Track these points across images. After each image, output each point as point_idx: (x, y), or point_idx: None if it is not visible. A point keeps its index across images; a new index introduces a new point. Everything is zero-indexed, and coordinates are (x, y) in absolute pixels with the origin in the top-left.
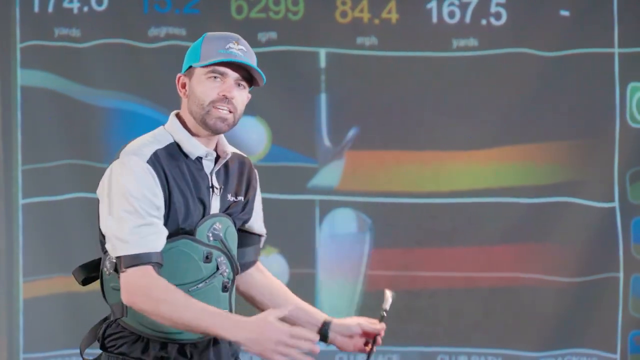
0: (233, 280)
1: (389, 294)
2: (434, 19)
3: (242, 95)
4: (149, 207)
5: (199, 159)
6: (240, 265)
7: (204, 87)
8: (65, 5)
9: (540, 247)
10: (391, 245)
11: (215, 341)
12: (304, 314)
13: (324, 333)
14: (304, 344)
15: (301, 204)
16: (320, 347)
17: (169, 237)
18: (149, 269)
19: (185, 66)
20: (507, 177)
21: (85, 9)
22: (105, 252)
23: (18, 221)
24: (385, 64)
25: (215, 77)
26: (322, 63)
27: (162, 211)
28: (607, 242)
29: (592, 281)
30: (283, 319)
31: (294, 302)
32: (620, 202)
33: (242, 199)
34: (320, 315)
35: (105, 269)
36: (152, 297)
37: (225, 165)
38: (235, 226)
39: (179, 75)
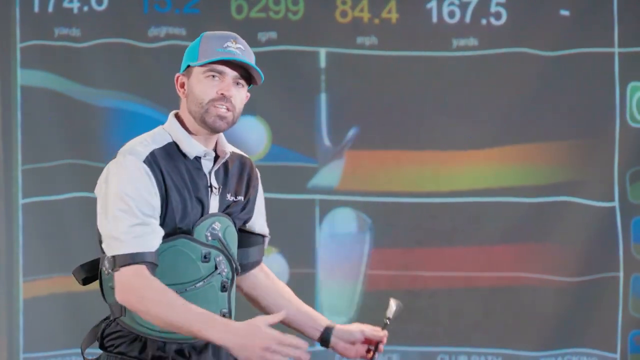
0: (232, 280)
1: (393, 303)
2: (434, 19)
3: (240, 94)
4: (144, 206)
5: (198, 158)
6: (244, 266)
7: (202, 86)
8: (65, 5)
9: (540, 247)
10: (391, 245)
11: None
12: (307, 318)
13: (325, 338)
14: (291, 351)
15: (301, 204)
16: (309, 354)
17: (167, 236)
18: (142, 269)
19: (183, 66)
20: (507, 177)
21: (85, 8)
22: (104, 251)
23: (18, 221)
24: (385, 64)
25: (213, 76)
26: (322, 63)
27: (158, 211)
28: (607, 242)
29: (592, 281)
30: (286, 323)
31: (297, 306)
32: (620, 202)
33: (242, 199)
34: (323, 320)
35: (104, 269)
36: (144, 297)
37: (225, 165)
38: (235, 226)
39: (177, 75)
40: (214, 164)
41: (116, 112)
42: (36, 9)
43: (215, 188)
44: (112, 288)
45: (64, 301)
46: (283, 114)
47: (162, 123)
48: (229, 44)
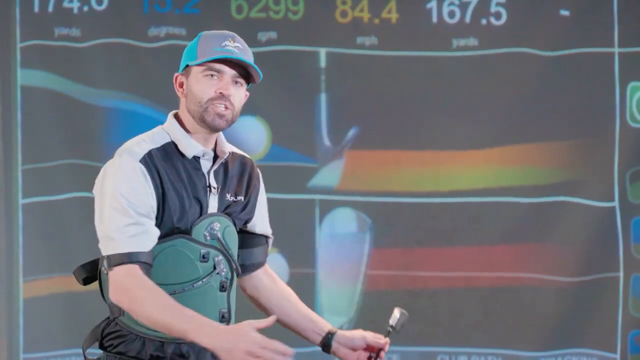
0: (232, 280)
1: (397, 312)
2: (434, 19)
3: (239, 93)
4: (139, 206)
5: (197, 158)
6: (247, 267)
7: (201, 85)
8: (65, 5)
9: (540, 247)
10: (391, 245)
11: None
12: (309, 322)
13: (327, 343)
14: (274, 356)
15: (301, 204)
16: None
17: (165, 236)
18: (135, 268)
19: (182, 65)
20: (507, 177)
21: (85, 8)
22: None
23: (18, 221)
24: (385, 64)
25: (212, 75)
26: (322, 63)
27: (154, 211)
28: (607, 242)
29: (592, 281)
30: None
31: (300, 310)
32: (620, 202)
33: (242, 199)
34: (325, 325)
35: (103, 268)
36: (135, 296)
37: (225, 165)
38: (235, 226)
39: (176, 74)
40: (213, 163)
41: (116, 112)
42: (36, 9)
43: (214, 188)
44: None
45: (63, 301)
46: (283, 114)
47: (162, 123)
48: (227, 42)
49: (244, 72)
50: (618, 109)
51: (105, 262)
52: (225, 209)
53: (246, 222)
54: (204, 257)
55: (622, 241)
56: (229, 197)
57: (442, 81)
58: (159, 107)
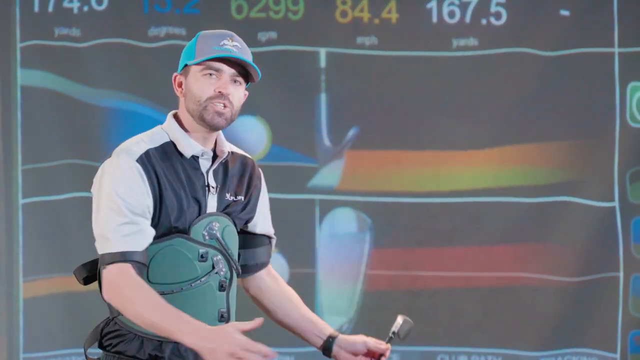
0: (231, 280)
1: (400, 319)
2: (434, 19)
3: (238, 92)
4: (134, 206)
5: (196, 158)
6: (250, 267)
7: (200, 84)
8: (65, 5)
9: (540, 247)
10: (391, 245)
11: None
12: (311, 325)
13: (328, 346)
14: (256, 358)
15: (301, 204)
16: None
17: (163, 235)
18: (127, 267)
19: (180, 65)
20: (507, 177)
21: (85, 8)
22: None
23: (18, 221)
24: (385, 64)
25: (210, 74)
26: (322, 63)
27: (151, 210)
28: (607, 242)
29: (592, 281)
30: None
31: (303, 312)
32: (620, 202)
33: (243, 199)
34: (327, 329)
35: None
36: (126, 295)
37: (225, 164)
38: (236, 226)
39: (175, 74)
40: (212, 163)
41: (116, 112)
42: (36, 8)
43: (213, 187)
44: None
45: (63, 301)
46: (283, 114)
47: (162, 123)
48: (225, 42)
49: (242, 71)
50: (618, 109)
51: (100, 261)
52: (225, 208)
53: (247, 222)
54: (202, 256)
55: (622, 241)
56: (229, 196)
57: (442, 81)
58: (159, 107)
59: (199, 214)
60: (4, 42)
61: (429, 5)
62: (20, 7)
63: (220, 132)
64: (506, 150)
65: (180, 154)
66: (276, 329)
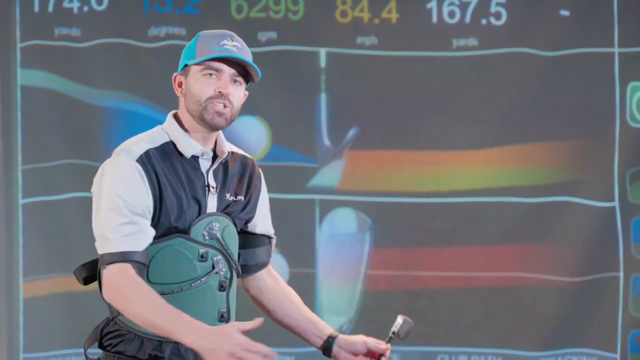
0: (231, 280)
1: (400, 319)
2: (434, 19)
3: (238, 92)
4: (134, 206)
5: (195, 158)
6: (250, 267)
7: (200, 84)
8: (65, 4)
9: (540, 247)
10: (391, 245)
11: None
12: (311, 325)
13: (328, 346)
14: (256, 358)
15: (301, 204)
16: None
17: (163, 235)
18: (127, 267)
19: (180, 65)
20: (507, 177)
21: (85, 8)
22: None
23: (18, 221)
24: (385, 64)
25: (210, 74)
26: (322, 63)
27: (150, 210)
28: (607, 242)
29: (592, 281)
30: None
31: (303, 312)
32: (620, 202)
33: (243, 199)
34: (327, 329)
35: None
36: (126, 295)
37: (225, 164)
38: (236, 226)
39: (175, 74)
40: (212, 163)
41: (116, 112)
42: (36, 8)
43: (213, 187)
44: None
45: (63, 301)
46: (283, 114)
47: (162, 123)
48: (225, 41)
49: (242, 70)
50: (618, 109)
51: (100, 261)
52: (225, 208)
53: (247, 222)
54: (202, 256)
55: (622, 241)
56: (229, 196)
57: (442, 81)
58: (159, 107)
59: (199, 214)
60: (4, 42)
61: (429, 5)
62: (20, 7)
63: (220, 132)
64: (506, 150)
65: (180, 154)
66: (276, 329)
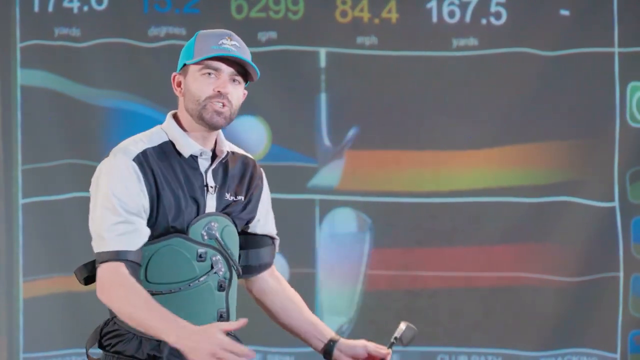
0: (231, 280)
1: (403, 325)
2: (434, 19)
3: (237, 91)
4: (129, 205)
5: (194, 157)
6: (254, 267)
7: (199, 84)
8: (65, 4)
9: (540, 247)
10: (391, 245)
11: None
12: (312, 328)
13: (329, 350)
14: (236, 359)
15: (301, 204)
16: None
17: (161, 235)
18: (120, 266)
19: (179, 65)
20: (507, 177)
21: (85, 8)
22: None
23: (18, 221)
24: (385, 64)
25: (209, 74)
26: (322, 63)
27: (147, 210)
28: (607, 242)
29: (592, 281)
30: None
31: (305, 315)
32: (620, 202)
33: (243, 199)
34: (328, 332)
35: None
36: (117, 294)
37: (225, 164)
38: (236, 226)
39: (174, 74)
40: (212, 163)
41: (116, 112)
42: (36, 8)
43: (211, 187)
44: None
45: (63, 301)
46: (283, 114)
47: (162, 123)
48: (224, 41)
49: (241, 70)
50: (618, 109)
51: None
52: (225, 208)
53: (248, 222)
54: (200, 256)
55: (622, 241)
56: (229, 196)
57: (442, 81)
58: (159, 107)
59: (198, 214)
60: (4, 42)
61: (429, 5)
62: (20, 7)
63: (220, 131)
64: (506, 150)
65: (179, 154)
66: (276, 329)
